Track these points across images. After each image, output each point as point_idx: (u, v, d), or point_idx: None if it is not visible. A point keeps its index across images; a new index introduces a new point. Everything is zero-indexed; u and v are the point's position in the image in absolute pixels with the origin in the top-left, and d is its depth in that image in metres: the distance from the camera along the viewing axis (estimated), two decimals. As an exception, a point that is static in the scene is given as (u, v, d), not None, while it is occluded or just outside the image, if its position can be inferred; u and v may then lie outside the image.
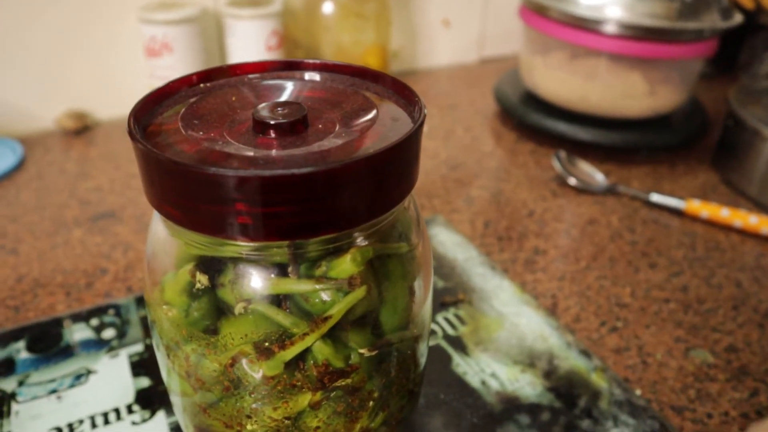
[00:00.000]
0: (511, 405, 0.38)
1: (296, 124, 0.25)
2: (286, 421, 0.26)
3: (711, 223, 0.57)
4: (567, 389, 0.39)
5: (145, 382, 0.39)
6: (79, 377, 0.40)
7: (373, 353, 0.26)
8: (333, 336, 0.25)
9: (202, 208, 0.22)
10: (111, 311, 0.45)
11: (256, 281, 0.24)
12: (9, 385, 0.39)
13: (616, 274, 0.50)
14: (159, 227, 0.26)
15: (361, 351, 0.25)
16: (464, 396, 0.38)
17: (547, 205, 0.59)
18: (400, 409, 0.29)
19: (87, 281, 0.48)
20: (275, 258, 0.23)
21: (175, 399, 0.29)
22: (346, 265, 0.24)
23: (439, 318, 0.44)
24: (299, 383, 0.25)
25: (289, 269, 0.24)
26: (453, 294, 0.47)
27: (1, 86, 0.67)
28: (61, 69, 0.69)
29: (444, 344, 0.42)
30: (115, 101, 0.73)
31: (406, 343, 0.28)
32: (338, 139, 0.24)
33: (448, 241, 0.53)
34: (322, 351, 0.24)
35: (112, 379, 0.39)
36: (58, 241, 0.52)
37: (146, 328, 0.43)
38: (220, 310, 0.25)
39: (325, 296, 0.24)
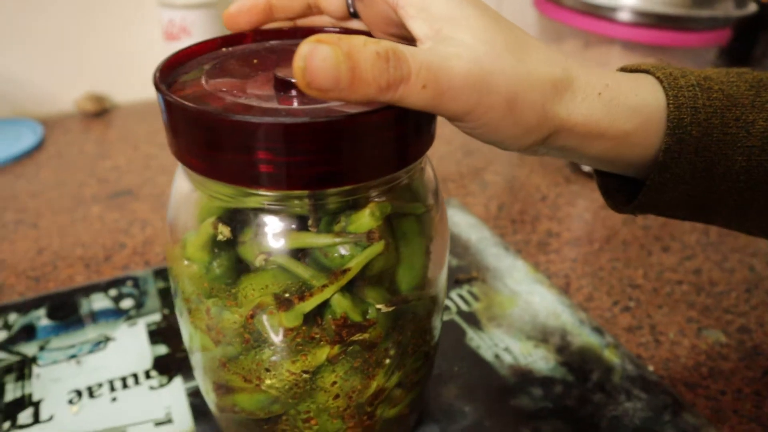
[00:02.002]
0: (525, 378, 0.38)
1: (318, 83, 0.25)
2: (304, 375, 0.26)
3: (725, 210, 0.57)
4: (579, 364, 0.39)
5: (162, 349, 0.40)
6: (98, 344, 0.40)
7: (390, 309, 0.26)
8: (351, 291, 0.25)
9: (227, 157, 0.22)
10: (129, 282, 0.45)
11: (277, 234, 0.24)
12: (30, 349, 0.40)
13: (629, 256, 0.51)
14: (182, 182, 0.27)
15: (378, 306, 0.26)
16: (478, 369, 0.39)
17: (559, 191, 0.60)
18: (416, 371, 0.30)
19: (105, 255, 0.49)
20: (296, 209, 0.24)
21: (195, 356, 0.29)
22: (365, 219, 0.24)
23: (453, 294, 0.45)
24: (317, 336, 0.25)
25: (309, 222, 0.24)
26: (467, 272, 0.47)
27: (22, 68, 0.68)
28: (81, 52, 0.70)
29: (458, 319, 0.43)
30: (133, 85, 0.74)
31: (422, 303, 0.28)
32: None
33: (462, 222, 0.53)
34: (341, 304, 0.25)
35: (130, 346, 0.40)
36: (77, 217, 0.53)
37: (164, 299, 0.44)
38: (240, 267, 0.26)
39: (344, 251, 0.25)
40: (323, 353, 0.26)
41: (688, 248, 0.52)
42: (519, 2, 0.91)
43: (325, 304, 0.25)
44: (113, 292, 0.45)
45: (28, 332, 0.41)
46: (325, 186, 0.23)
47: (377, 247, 0.24)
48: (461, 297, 0.45)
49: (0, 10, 0.64)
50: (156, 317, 0.42)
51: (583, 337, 0.41)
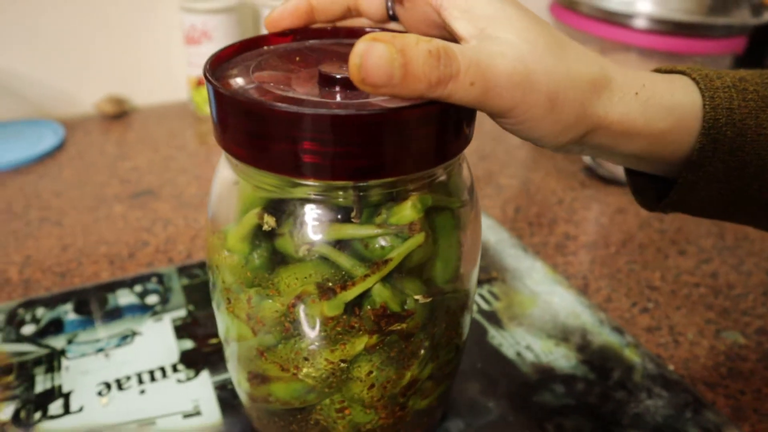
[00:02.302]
0: (547, 375, 0.39)
1: (360, 79, 0.26)
2: (342, 365, 0.27)
3: (739, 216, 0.58)
4: (600, 362, 0.40)
5: (188, 344, 0.40)
6: (125, 338, 0.41)
7: (427, 300, 0.27)
8: (390, 283, 0.26)
9: (273, 147, 0.23)
10: (154, 279, 0.46)
11: (320, 225, 0.25)
12: (58, 342, 0.40)
13: (646, 259, 0.51)
14: (225, 173, 0.27)
15: (417, 297, 0.26)
16: (500, 366, 0.39)
17: (575, 195, 0.60)
18: (447, 363, 0.30)
19: (129, 252, 0.49)
20: (340, 200, 0.25)
21: (231, 346, 0.30)
22: (406, 212, 0.25)
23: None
24: (357, 326, 0.26)
25: (353, 214, 0.25)
26: (487, 272, 0.48)
27: (44, 70, 0.69)
28: (102, 55, 0.71)
29: (479, 318, 0.43)
30: (153, 88, 0.75)
31: (457, 296, 0.29)
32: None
33: (479, 224, 0.54)
34: (381, 294, 0.25)
35: (156, 340, 0.41)
36: (100, 215, 0.54)
37: (188, 295, 0.44)
38: (276, 259, 0.26)
39: (384, 242, 0.25)
40: (362, 343, 0.26)
41: (704, 252, 0.53)
42: (535, 8, 0.93)
43: (364, 295, 0.26)
44: (138, 288, 0.45)
45: (56, 326, 0.42)
46: (368, 178, 0.24)
47: (418, 238, 0.25)
48: (482, 296, 0.45)
49: (22, 13, 0.66)
50: (181, 313, 0.43)
51: (603, 336, 0.42)
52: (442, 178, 0.27)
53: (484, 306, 0.44)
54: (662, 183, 0.29)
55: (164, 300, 0.44)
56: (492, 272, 0.48)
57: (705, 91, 0.25)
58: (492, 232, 0.53)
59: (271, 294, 0.26)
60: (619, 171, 0.63)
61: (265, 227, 0.25)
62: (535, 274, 0.48)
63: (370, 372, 0.27)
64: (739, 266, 0.51)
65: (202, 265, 0.47)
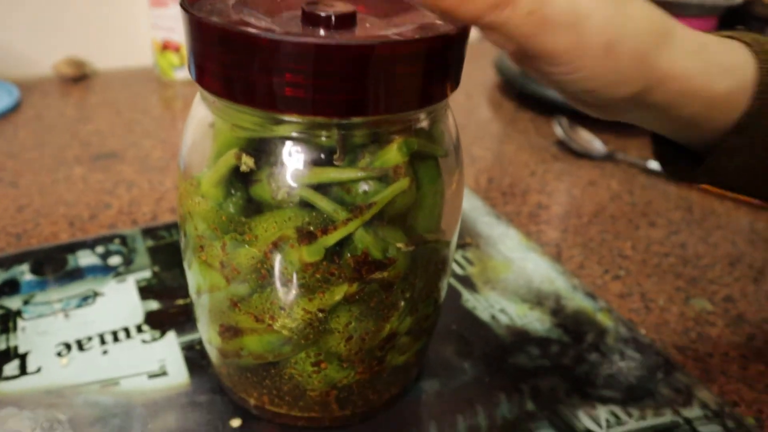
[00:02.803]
0: (521, 338, 0.39)
1: (345, 18, 0.25)
2: (320, 314, 0.26)
3: (706, 191, 0.59)
4: (574, 326, 0.40)
5: (154, 305, 0.39)
6: (86, 298, 0.39)
7: (410, 249, 0.26)
8: (372, 229, 0.25)
9: (254, 79, 0.22)
10: (117, 240, 0.44)
11: (302, 167, 0.24)
12: (14, 303, 0.38)
13: (618, 229, 0.52)
14: (201, 114, 0.26)
15: (399, 245, 0.25)
16: (475, 328, 0.39)
17: (547, 167, 0.60)
18: (426, 317, 0.30)
19: (91, 213, 0.47)
20: (322, 140, 0.24)
21: (203, 299, 0.29)
22: (392, 154, 0.24)
23: (448, 259, 0.45)
24: (336, 273, 0.25)
25: (336, 156, 0.24)
26: (461, 238, 0.47)
27: (0, 29, 0.66)
28: (62, 16, 0.68)
29: (453, 282, 0.43)
30: (115, 52, 0.72)
31: (438, 247, 0.28)
32: (387, 32, 0.25)
33: (453, 192, 0.53)
34: (363, 240, 0.24)
35: (119, 301, 0.39)
36: (59, 177, 0.51)
37: (153, 257, 0.43)
38: (251, 207, 0.25)
39: (366, 187, 0.24)
40: (341, 291, 0.25)
41: (673, 224, 0.53)
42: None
43: (345, 242, 0.25)
44: (100, 249, 0.43)
45: (11, 287, 0.39)
46: (351, 114, 0.23)
47: (402, 182, 0.24)
48: (456, 261, 0.45)
49: (-23, -36, 0.62)
50: (146, 274, 0.41)
51: (577, 301, 0.42)
52: (427, 124, 0.26)
53: (458, 270, 0.44)
54: (690, 158, 0.28)
55: (128, 261, 0.42)
56: (466, 238, 0.47)
57: (758, 54, 0.25)
58: (466, 200, 0.52)
59: (247, 239, 0.25)
60: (590, 146, 0.64)
61: (243, 168, 0.24)
62: (508, 240, 0.48)
63: (349, 323, 0.26)
64: (707, 238, 0.52)
65: (168, 227, 0.46)
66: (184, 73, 0.70)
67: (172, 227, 0.46)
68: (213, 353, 0.31)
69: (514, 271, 0.44)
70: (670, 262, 0.48)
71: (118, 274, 0.41)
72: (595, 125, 0.68)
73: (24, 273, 0.41)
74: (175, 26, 0.68)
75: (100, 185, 0.51)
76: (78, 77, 0.69)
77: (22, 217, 0.46)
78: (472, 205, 0.52)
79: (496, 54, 0.79)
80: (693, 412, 0.34)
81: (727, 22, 0.84)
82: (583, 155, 0.63)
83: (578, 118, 0.68)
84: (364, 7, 0.28)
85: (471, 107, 0.72)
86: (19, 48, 0.67)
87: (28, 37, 0.67)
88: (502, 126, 0.68)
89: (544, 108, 0.72)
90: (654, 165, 0.60)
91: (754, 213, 0.56)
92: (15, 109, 0.62)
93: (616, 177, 0.60)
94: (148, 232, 0.45)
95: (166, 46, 0.69)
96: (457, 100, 0.74)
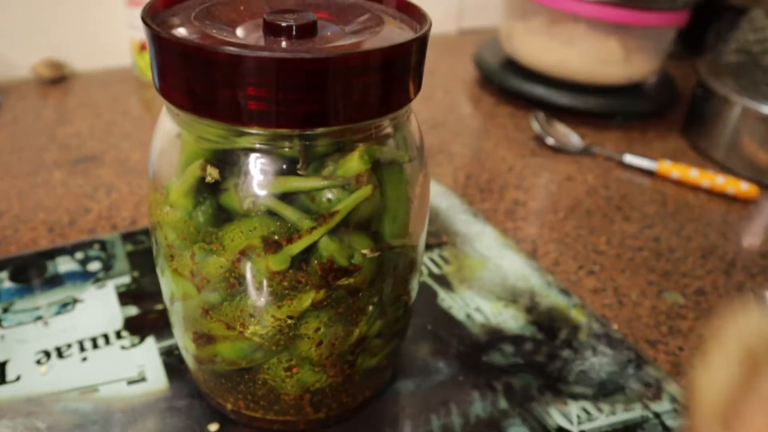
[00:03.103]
0: (496, 336, 0.39)
1: (306, 28, 0.25)
2: (289, 321, 0.26)
3: (681, 184, 0.60)
4: (548, 323, 0.41)
5: (133, 310, 0.39)
6: (66, 305, 0.39)
7: (375, 255, 0.26)
8: (337, 237, 0.25)
9: (217, 93, 0.22)
10: (96, 246, 0.44)
11: (265, 178, 0.24)
12: (-7, 311, 0.38)
13: (593, 224, 0.52)
14: (167, 127, 0.26)
15: (364, 251, 0.26)
16: (450, 327, 0.40)
17: (525, 162, 0.61)
18: (396, 320, 0.30)
19: (70, 219, 0.47)
20: (285, 150, 0.24)
21: (176, 306, 0.29)
22: (354, 163, 0.25)
23: (424, 258, 0.45)
24: (303, 281, 0.25)
25: (299, 165, 0.24)
26: (437, 237, 0.48)
27: (-25, 30, 0.65)
28: (39, 17, 0.67)
29: (429, 281, 0.43)
30: (93, 52, 0.72)
31: (405, 252, 0.28)
32: (346, 42, 0.25)
33: (431, 191, 0.54)
34: (328, 247, 0.25)
35: (99, 307, 0.39)
36: (38, 181, 0.51)
37: (133, 262, 0.43)
38: (221, 216, 0.26)
39: (330, 195, 0.25)
40: (308, 298, 0.26)
41: (647, 218, 0.54)
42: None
43: (311, 249, 0.25)
44: (79, 255, 0.43)
45: (-9, 294, 0.40)
46: (313, 125, 0.23)
47: (365, 190, 0.25)
48: (432, 260, 0.45)
49: (-49, -32, 0.61)
50: (125, 279, 0.42)
51: (551, 298, 0.43)
52: (390, 131, 0.26)
53: (435, 269, 0.44)
54: None
55: (107, 267, 0.43)
56: (442, 237, 0.48)
57: None
58: (443, 198, 0.53)
59: (215, 249, 0.25)
60: (567, 140, 0.64)
61: (208, 179, 0.24)
62: (485, 238, 0.48)
63: (318, 329, 0.27)
64: (680, 231, 0.53)
65: (147, 232, 0.46)
66: (163, 74, 0.70)
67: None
68: (189, 359, 0.32)
69: (490, 269, 0.45)
70: (644, 256, 0.49)
71: (97, 280, 0.41)
72: (574, 119, 0.69)
73: (3, 280, 0.41)
74: (153, 27, 0.68)
75: (79, 189, 0.51)
76: (57, 79, 0.69)
77: (1, 223, 0.46)
78: (449, 203, 0.52)
79: (476, 48, 0.80)
80: (662, 405, 0.35)
81: (699, 14, 0.85)
82: (560, 150, 0.64)
83: (555, 113, 0.69)
84: (326, 14, 0.28)
85: (450, 103, 0.72)
86: (-4, 51, 0.67)
87: (6, 39, 0.67)
88: (482, 121, 0.69)
89: (523, 103, 0.72)
90: (630, 159, 0.61)
91: (727, 205, 0.57)
92: (-7, 113, 0.61)
93: (592, 171, 0.60)
94: (128, 237, 0.45)
95: (144, 47, 0.69)
96: (436, 96, 0.74)
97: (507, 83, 0.71)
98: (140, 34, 0.68)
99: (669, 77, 0.77)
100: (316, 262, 0.25)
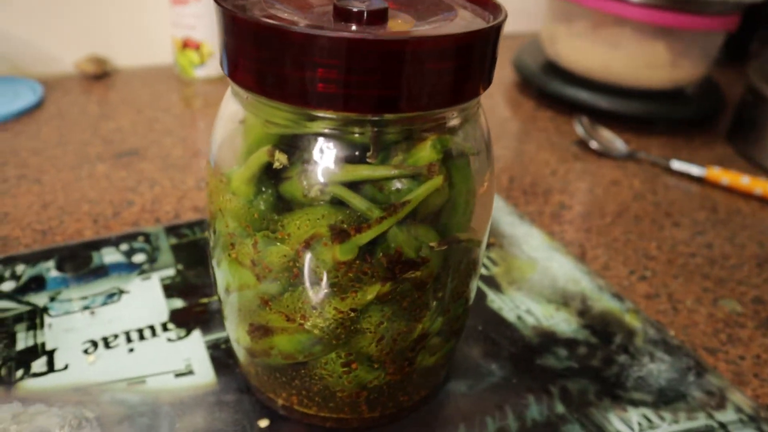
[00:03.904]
0: (548, 339, 0.38)
1: (377, 14, 0.24)
2: (351, 314, 0.26)
3: (730, 190, 0.58)
4: (602, 327, 0.39)
5: (178, 303, 0.39)
6: (112, 296, 0.39)
7: (443, 248, 0.25)
8: (405, 228, 0.25)
9: (287, 73, 0.22)
10: (141, 238, 0.44)
11: (335, 165, 0.24)
12: (40, 300, 0.38)
13: (642, 230, 0.51)
14: (231, 110, 0.26)
15: (432, 244, 0.25)
16: (501, 329, 0.39)
17: (569, 166, 0.60)
18: (456, 318, 0.29)
19: (114, 211, 0.47)
20: (355, 136, 0.23)
21: (232, 297, 0.29)
22: (425, 152, 0.24)
23: (472, 259, 0.44)
24: (369, 272, 0.25)
25: (369, 153, 0.24)
26: (484, 238, 0.47)
27: (23, 27, 0.66)
28: (83, 13, 0.68)
29: (478, 282, 0.42)
30: (136, 49, 0.72)
31: (471, 245, 0.27)
32: (420, 28, 0.24)
33: (475, 191, 0.53)
34: (397, 238, 0.24)
35: (144, 299, 0.39)
36: (82, 174, 0.52)
37: (177, 255, 0.43)
38: (281, 205, 0.25)
39: (399, 185, 0.24)
40: (374, 290, 0.25)
41: (698, 224, 0.52)
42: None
43: (377, 241, 0.24)
44: (124, 246, 0.43)
45: (38, 283, 0.40)
46: (384, 110, 0.22)
47: (437, 180, 0.24)
48: (480, 262, 0.44)
49: (0, -37, 0.62)
50: (170, 272, 0.41)
51: (603, 302, 0.41)
52: (459, 122, 0.26)
53: (483, 271, 0.43)
54: None
55: (152, 259, 0.42)
56: (490, 238, 0.47)
57: None
58: (488, 200, 0.52)
59: (279, 237, 0.25)
60: (612, 145, 0.63)
61: (276, 164, 0.24)
62: (532, 240, 0.47)
63: (381, 323, 0.26)
64: (733, 239, 0.51)
65: (190, 225, 0.46)
66: (204, 72, 0.71)
67: (195, 225, 0.46)
68: (241, 352, 0.31)
69: (539, 271, 0.44)
70: (697, 262, 0.47)
71: (142, 272, 0.41)
72: (616, 124, 0.68)
73: (50, 270, 0.41)
74: (195, 24, 0.68)
75: (122, 183, 0.51)
76: (99, 75, 0.69)
77: (46, 214, 0.46)
78: (494, 205, 0.51)
79: (515, 52, 0.79)
80: (727, 415, 0.34)
81: (749, 18, 0.83)
82: (604, 154, 0.62)
83: (599, 117, 0.68)
84: (395, 4, 0.27)
85: (490, 106, 0.72)
86: (41, 45, 0.67)
87: (51, 35, 0.67)
88: (522, 125, 0.68)
89: (564, 107, 0.71)
90: (677, 165, 0.60)
91: (781, 213, 0.55)
92: (38, 106, 0.62)
93: (638, 176, 0.59)
94: (171, 230, 0.45)
95: (186, 45, 0.69)
96: (476, 98, 0.73)
97: (548, 87, 0.70)
98: (182, 32, 0.68)
99: (714, 83, 0.75)
100: (382, 253, 0.24)
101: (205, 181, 0.51)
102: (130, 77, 0.70)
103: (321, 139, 0.24)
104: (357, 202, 0.24)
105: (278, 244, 0.25)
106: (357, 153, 0.24)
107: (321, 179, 0.24)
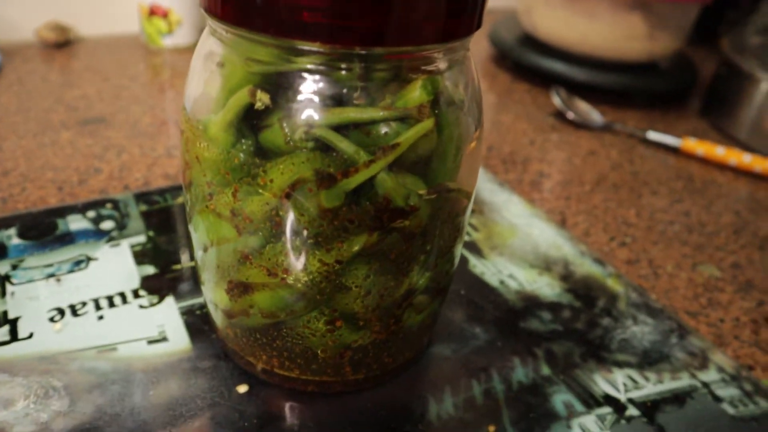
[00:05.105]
0: (532, 303, 0.38)
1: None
2: (336, 266, 0.24)
3: (705, 161, 0.58)
4: (585, 291, 0.39)
5: (150, 269, 0.37)
6: (79, 263, 0.37)
7: (432, 196, 0.24)
8: (392, 175, 0.24)
9: (271, 3, 0.20)
10: (108, 205, 0.42)
11: (320, 105, 0.22)
12: (2, 268, 0.36)
13: (621, 197, 0.51)
14: (208, 51, 0.24)
15: (421, 192, 0.24)
16: (485, 293, 0.38)
17: (546, 137, 0.59)
18: (444, 274, 0.29)
19: (80, 178, 0.45)
20: (342, 74, 0.22)
21: (209, 254, 0.27)
22: (416, 93, 0.23)
23: (453, 225, 0.44)
24: (356, 221, 0.23)
25: (356, 95, 0.22)
26: (465, 204, 0.46)
27: (-24, -12, 0.62)
28: (42, -24, 0.65)
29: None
30: (99, 18, 0.69)
31: (459, 197, 0.27)
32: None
33: (454, 160, 0.52)
34: (385, 184, 0.23)
35: (114, 266, 0.37)
36: (45, 141, 0.49)
37: (147, 222, 0.41)
38: (262, 155, 0.24)
39: (387, 128, 0.23)
40: (361, 240, 0.24)
41: (675, 193, 0.52)
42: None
43: (364, 189, 0.23)
44: (91, 213, 0.41)
45: (-1, 251, 0.37)
46: (372, 43, 0.21)
47: (427, 123, 0.23)
48: (461, 228, 0.43)
49: None
50: (140, 239, 0.39)
51: (586, 267, 0.41)
52: (448, 66, 0.25)
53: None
54: None
55: (121, 226, 0.40)
56: (470, 205, 0.46)
57: None
58: (467, 169, 0.51)
59: (261, 184, 0.23)
60: (589, 116, 0.63)
61: (258, 105, 0.22)
62: (512, 207, 0.47)
63: (367, 276, 0.25)
64: (710, 207, 0.51)
65: (162, 192, 0.44)
66: (172, 41, 0.68)
67: (167, 192, 0.44)
68: (218, 316, 0.30)
69: (520, 237, 0.43)
70: (675, 229, 0.47)
71: (111, 239, 0.39)
72: (593, 96, 0.67)
73: (11, 237, 0.39)
74: (162, -9, 0.65)
75: (88, 150, 0.49)
76: (61, 43, 0.66)
77: (7, 181, 0.44)
78: (474, 173, 0.50)
79: (491, 26, 0.78)
80: (710, 375, 0.34)
81: (709, 15, 0.84)
82: (581, 125, 0.62)
83: (576, 90, 0.67)
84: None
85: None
86: (0, 12, 0.64)
87: (10, 1, 0.64)
88: (499, 97, 0.67)
89: (540, 79, 0.71)
90: (653, 135, 0.60)
91: (755, 183, 0.56)
92: (-5, 74, 0.59)
93: (615, 147, 0.59)
94: (141, 197, 0.43)
95: (153, 12, 0.66)
96: (452, 71, 0.72)
97: (525, 59, 0.70)
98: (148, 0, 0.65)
99: (687, 58, 0.75)
100: (369, 201, 0.23)
101: (177, 148, 0.49)
102: (95, 46, 0.67)
103: (306, 76, 0.22)
104: (344, 145, 0.22)
105: (260, 191, 0.23)
106: (344, 92, 0.22)
107: (305, 121, 0.22)
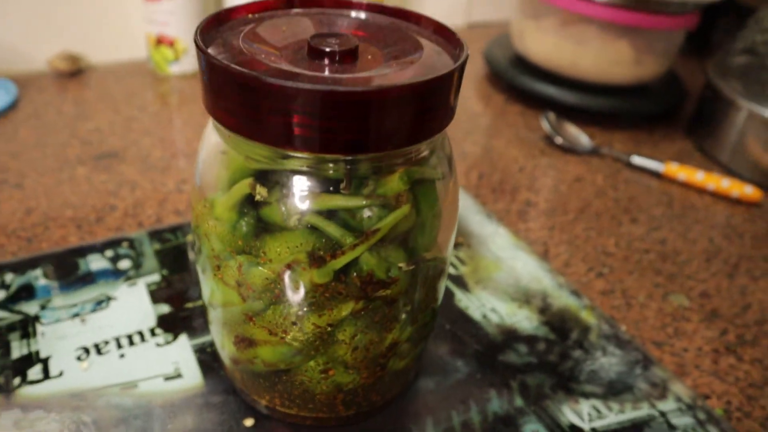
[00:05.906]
0: (510, 336, 0.41)
1: (348, 53, 0.27)
2: (328, 328, 0.28)
3: (686, 186, 0.62)
4: (560, 324, 0.43)
5: (165, 308, 0.41)
6: (100, 303, 0.41)
7: (410, 268, 0.28)
8: (375, 252, 0.27)
9: (264, 118, 0.24)
10: (125, 244, 0.46)
11: (310, 195, 0.26)
12: (31, 308, 0.40)
13: (602, 226, 0.54)
14: (213, 140, 0.28)
15: (400, 265, 0.28)
16: (468, 327, 0.42)
17: (536, 162, 0.63)
18: (425, 325, 0.32)
19: (97, 216, 0.49)
20: (330, 173, 0.26)
21: (217, 311, 0.31)
22: (394, 184, 0.26)
23: (441, 259, 0.47)
24: (343, 292, 0.27)
25: (342, 185, 0.26)
26: (453, 238, 0.50)
27: (-6, 23, 0.66)
28: (56, 10, 0.68)
29: (447, 282, 0.45)
30: (109, 46, 0.73)
31: (436, 262, 0.30)
32: (386, 70, 0.27)
33: (445, 191, 0.56)
34: (368, 262, 0.27)
35: (132, 305, 0.41)
36: (63, 178, 0.53)
37: (161, 260, 0.45)
38: (260, 228, 0.27)
39: (369, 213, 0.26)
40: (348, 308, 0.28)
41: (654, 220, 0.56)
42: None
43: (351, 263, 0.27)
44: (109, 252, 0.45)
45: (27, 292, 0.41)
46: (357, 152, 0.25)
47: (404, 209, 0.26)
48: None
49: (-28, -38, 0.62)
50: (155, 278, 0.43)
51: (563, 299, 0.45)
52: (426, 153, 0.28)
53: (452, 270, 0.46)
54: None
55: (137, 265, 0.44)
56: (458, 238, 0.50)
57: None
58: (459, 199, 0.54)
59: (261, 261, 0.27)
60: (577, 140, 0.66)
61: (257, 198, 0.26)
62: (498, 239, 0.50)
63: (355, 335, 0.29)
64: (686, 234, 0.54)
65: (173, 230, 0.48)
66: (179, 68, 0.71)
67: (177, 230, 0.48)
68: (226, 359, 0.34)
69: (505, 270, 0.47)
70: (650, 258, 0.51)
71: (128, 278, 0.43)
72: (582, 119, 0.70)
73: (38, 278, 0.42)
74: (169, 21, 0.69)
75: (103, 186, 0.52)
76: (73, 72, 0.70)
77: (30, 221, 0.48)
78: (464, 204, 0.54)
79: (485, 43, 0.81)
80: (668, 405, 0.37)
81: (709, 15, 0.86)
82: (569, 150, 0.65)
83: (566, 112, 0.71)
84: (365, 33, 0.30)
85: (461, 98, 0.74)
86: (13, 43, 0.68)
87: (22, 32, 0.68)
88: (492, 119, 0.70)
89: (533, 101, 0.74)
90: (637, 160, 0.63)
91: (732, 207, 0.59)
92: (13, 106, 0.63)
93: (601, 172, 0.62)
94: (154, 235, 0.47)
95: (160, 41, 0.70)
96: (447, 93, 0.75)
97: (517, 81, 0.73)
98: (156, 28, 0.69)
99: (676, 77, 0.78)
100: (355, 274, 0.27)
101: (186, 182, 0.53)
102: (105, 74, 0.71)
103: (298, 175, 0.26)
104: (332, 229, 0.26)
105: (260, 267, 0.27)
106: (331, 187, 0.26)
107: (299, 208, 0.26)
